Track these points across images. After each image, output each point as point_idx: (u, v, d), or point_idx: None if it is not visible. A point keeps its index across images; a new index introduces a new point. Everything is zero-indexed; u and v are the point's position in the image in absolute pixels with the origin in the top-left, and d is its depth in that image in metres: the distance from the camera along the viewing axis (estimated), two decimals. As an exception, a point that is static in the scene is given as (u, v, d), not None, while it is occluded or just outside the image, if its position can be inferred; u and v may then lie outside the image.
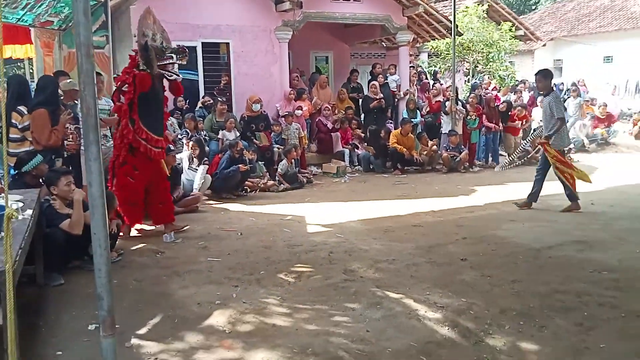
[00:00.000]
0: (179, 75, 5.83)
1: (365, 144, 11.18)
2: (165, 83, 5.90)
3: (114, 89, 7.71)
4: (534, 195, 7.29)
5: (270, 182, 9.06)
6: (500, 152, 12.13)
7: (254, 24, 11.00)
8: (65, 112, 6.00)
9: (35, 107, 5.73)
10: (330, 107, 11.38)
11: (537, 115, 13.53)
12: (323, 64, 15.17)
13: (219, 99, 10.11)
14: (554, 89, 7.35)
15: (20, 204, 3.72)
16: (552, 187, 8.83)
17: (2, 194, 3.88)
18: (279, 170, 9.27)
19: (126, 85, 5.60)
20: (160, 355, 3.33)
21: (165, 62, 5.58)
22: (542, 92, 7.35)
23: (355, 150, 11.21)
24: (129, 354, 3.31)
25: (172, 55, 5.63)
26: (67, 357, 3.32)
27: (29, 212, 3.67)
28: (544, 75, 7.08)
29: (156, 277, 4.74)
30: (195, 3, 10.30)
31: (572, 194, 7.04)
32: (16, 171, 5.13)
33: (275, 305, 4.08)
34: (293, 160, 9.45)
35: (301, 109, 10.81)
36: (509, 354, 3.29)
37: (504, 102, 12.07)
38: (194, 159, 8.22)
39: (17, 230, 3.08)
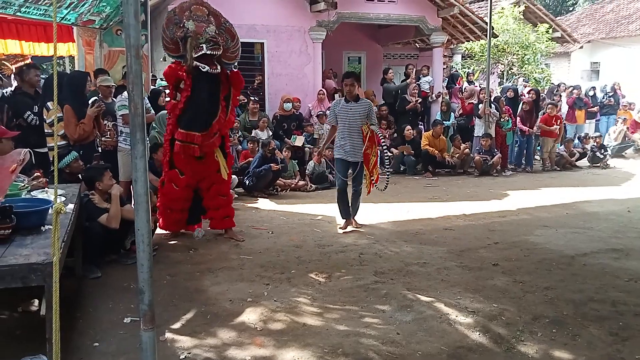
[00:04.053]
0: (214, 67, 5.41)
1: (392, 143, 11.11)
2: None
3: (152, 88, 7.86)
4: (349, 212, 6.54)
5: (302, 182, 9.11)
6: (535, 156, 11.95)
7: (289, 24, 11.08)
8: (94, 106, 6.09)
9: (62, 103, 5.89)
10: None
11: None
12: (355, 64, 15.17)
13: (252, 98, 10.21)
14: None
15: (63, 198, 3.85)
16: (586, 193, 8.71)
17: (46, 188, 4.04)
18: (307, 170, 9.31)
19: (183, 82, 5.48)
20: (194, 350, 3.40)
21: (198, 54, 5.33)
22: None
23: (387, 151, 11.15)
24: (164, 348, 3.38)
25: (202, 45, 5.35)
26: (104, 348, 3.42)
27: (71, 206, 3.79)
28: (356, 80, 6.36)
29: (189, 273, 4.83)
30: (230, 3, 10.41)
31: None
32: (53, 168, 5.29)
33: (306, 305, 4.12)
34: (324, 161, 9.48)
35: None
36: (541, 362, 3.26)
37: (527, 99, 11.54)
38: None
39: (60, 224, 3.18)
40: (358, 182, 6.42)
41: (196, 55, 5.33)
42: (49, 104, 5.87)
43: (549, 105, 11.64)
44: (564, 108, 13.25)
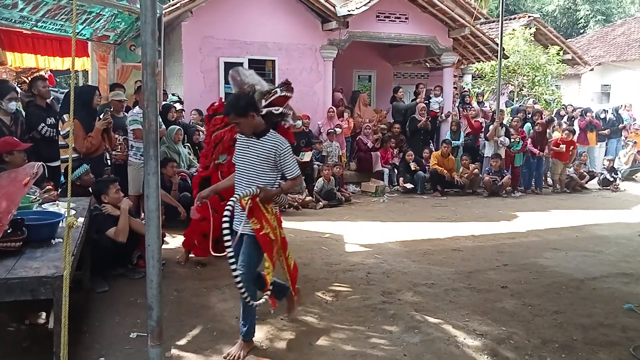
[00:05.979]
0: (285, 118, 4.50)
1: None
2: None
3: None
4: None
5: (309, 198, 9.11)
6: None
7: (300, 42, 11.17)
8: (102, 119, 6.13)
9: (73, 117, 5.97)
10: (371, 126, 11.42)
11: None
12: (366, 82, 15.24)
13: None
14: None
15: (74, 212, 3.87)
16: (596, 215, 8.65)
17: (57, 201, 4.07)
18: (315, 187, 9.33)
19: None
20: (199, 367, 3.38)
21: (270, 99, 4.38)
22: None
23: (395, 170, 11.18)
24: (170, 364, 3.38)
25: (277, 90, 4.40)
26: (110, 363, 3.41)
27: (81, 219, 3.81)
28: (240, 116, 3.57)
29: (196, 289, 4.82)
30: (243, 21, 10.54)
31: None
32: (64, 180, 5.34)
33: (313, 324, 4.10)
34: (332, 178, 9.48)
35: (340, 127, 10.89)
36: (550, 388, 3.22)
37: (541, 121, 11.58)
38: None
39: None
40: (244, 265, 3.66)
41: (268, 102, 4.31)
42: (65, 116, 5.96)
43: (565, 132, 11.61)
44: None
